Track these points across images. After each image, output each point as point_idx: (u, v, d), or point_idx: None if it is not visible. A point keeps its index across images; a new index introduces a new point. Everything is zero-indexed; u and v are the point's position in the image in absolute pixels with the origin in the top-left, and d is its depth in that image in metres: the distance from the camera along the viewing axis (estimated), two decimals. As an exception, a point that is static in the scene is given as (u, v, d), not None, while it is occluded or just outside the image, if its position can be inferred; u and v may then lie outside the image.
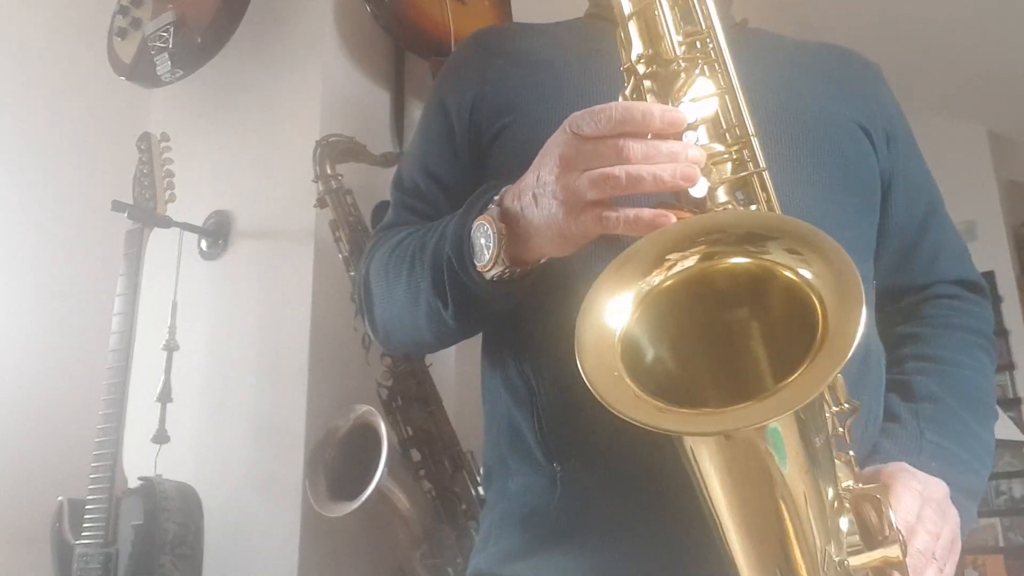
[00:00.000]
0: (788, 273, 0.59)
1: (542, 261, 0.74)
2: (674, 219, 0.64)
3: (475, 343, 0.95)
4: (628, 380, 0.57)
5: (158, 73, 1.87)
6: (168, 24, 1.86)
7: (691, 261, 0.63)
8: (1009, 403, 3.62)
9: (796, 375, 0.54)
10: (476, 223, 0.73)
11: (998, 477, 3.39)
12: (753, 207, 0.69)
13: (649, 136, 0.65)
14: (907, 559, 0.63)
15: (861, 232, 0.88)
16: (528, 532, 0.82)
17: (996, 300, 3.71)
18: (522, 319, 0.82)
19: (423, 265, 0.81)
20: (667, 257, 0.63)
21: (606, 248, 0.75)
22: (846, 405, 0.65)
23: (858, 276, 0.56)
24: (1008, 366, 3.64)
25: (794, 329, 0.57)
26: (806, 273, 0.58)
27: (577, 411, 0.78)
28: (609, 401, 0.56)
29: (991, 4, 3.02)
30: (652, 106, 0.66)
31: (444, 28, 1.86)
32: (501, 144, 0.88)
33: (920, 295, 0.95)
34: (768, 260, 0.60)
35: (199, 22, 1.84)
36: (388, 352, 1.04)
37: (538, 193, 0.69)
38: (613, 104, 0.66)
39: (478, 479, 1.57)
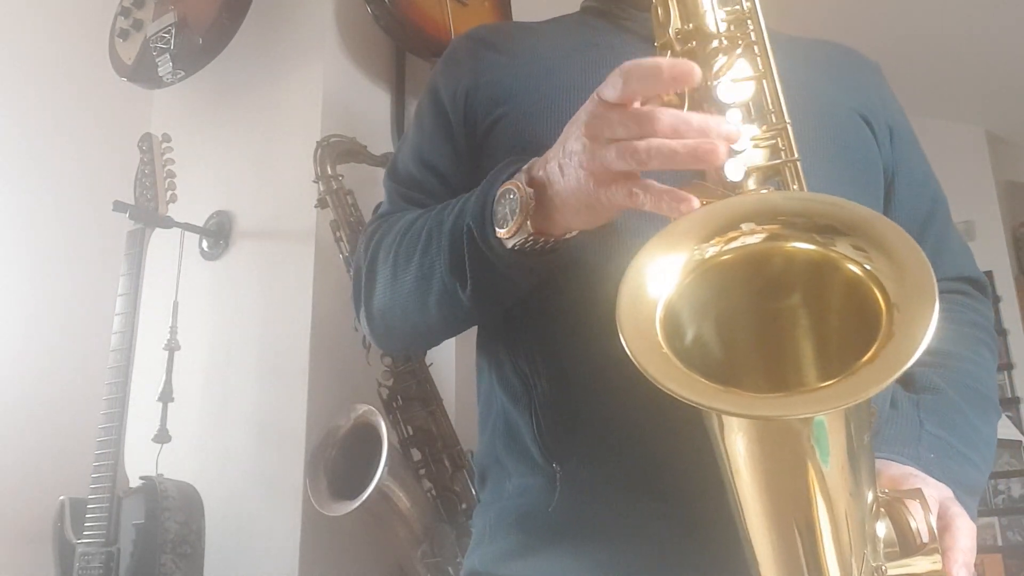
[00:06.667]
0: (854, 267, 0.56)
1: (568, 236, 0.71)
2: (696, 204, 0.60)
3: (474, 342, 0.95)
4: (672, 356, 0.54)
5: (160, 74, 1.88)
6: (170, 25, 1.87)
7: (756, 238, 0.59)
8: (1008, 403, 3.62)
9: (859, 367, 0.51)
10: (502, 189, 0.71)
11: (996, 476, 3.39)
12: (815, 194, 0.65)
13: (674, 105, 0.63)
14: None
15: None
16: (526, 532, 0.81)
17: (994, 300, 3.71)
18: (518, 315, 0.81)
19: (439, 243, 0.78)
20: (739, 226, 0.59)
21: (608, 242, 0.74)
22: (873, 406, 0.63)
23: (933, 277, 0.53)
24: (1006, 366, 3.64)
25: (853, 325, 0.55)
26: (873, 268, 0.55)
27: (577, 408, 0.78)
28: (656, 376, 0.52)
29: (990, 6, 3.03)
30: (660, 59, 0.63)
31: (444, 29, 1.87)
32: (496, 136, 0.87)
33: None
34: (836, 252, 0.57)
35: (200, 23, 1.85)
36: (382, 348, 0.99)
37: (564, 163, 0.67)
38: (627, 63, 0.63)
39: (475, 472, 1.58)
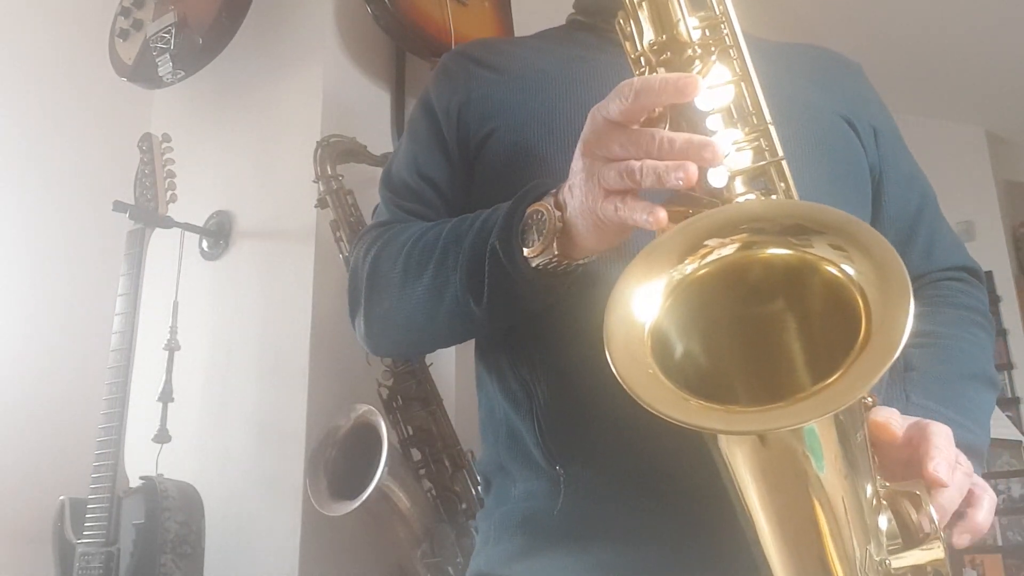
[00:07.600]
0: (831, 268, 0.57)
1: (586, 260, 0.73)
2: (662, 215, 0.62)
3: (474, 342, 0.95)
4: (663, 377, 0.55)
5: (160, 74, 1.88)
6: (170, 25, 1.87)
7: (729, 250, 0.60)
8: (1007, 403, 3.62)
9: (841, 372, 0.52)
10: (531, 210, 0.72)
11: (997, 476, 3.38)
12: (773, 197, 0.67)
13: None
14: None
15: None
16: (531, 534, 0.82)
17: (994, 300, 3.71)
18: (518, 322, 0.82)
19: (456, 257, 0.79)
20: (704, 243, 0.60)
21: (608, 253, 0.74)
22: (868, 399, 0.63)
23: (906, 273, 0.54)
24: (1006, 366, 3.65)
25: (834, 326, 0.56)
26: (850, 269, 0.56)
27: (578, 411, 0.79)
28: (647, 400, 0.53)
29: (990, 6, 3.03)
30: (668, 75, 0.65)
31: (444, 29, 1.87)
32: (488, 150, 0.89)
33: (918, 283, 0.95)
34: (811, 254, 0.58)
35: (200, 23, 1.85)
36: (376, 353, 1.01)
37: (572, 184, 0.69)
38: (632, 79, 0.65)
39: (478, 478, 1.58)
